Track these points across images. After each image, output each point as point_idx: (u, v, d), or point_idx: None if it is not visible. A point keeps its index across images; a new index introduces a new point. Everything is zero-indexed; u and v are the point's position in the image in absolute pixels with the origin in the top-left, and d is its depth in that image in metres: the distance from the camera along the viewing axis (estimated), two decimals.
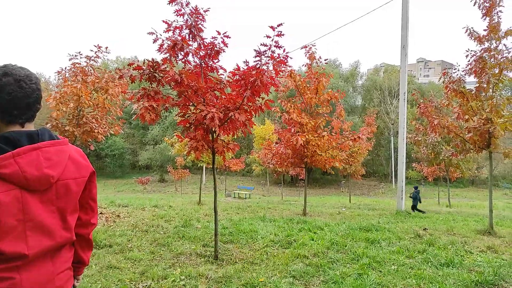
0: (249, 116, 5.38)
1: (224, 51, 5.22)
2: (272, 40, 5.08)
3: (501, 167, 45.96)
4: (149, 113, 4.82)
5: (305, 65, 11.45)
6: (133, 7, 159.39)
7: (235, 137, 6.19)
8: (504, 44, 8.11)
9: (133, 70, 4.93)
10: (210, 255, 5.65)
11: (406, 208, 13.26)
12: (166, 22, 5.15)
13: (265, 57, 5.17)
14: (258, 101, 5.44)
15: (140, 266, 5.00)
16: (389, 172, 52.16)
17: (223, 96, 5.35)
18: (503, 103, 8.08)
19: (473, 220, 10.80)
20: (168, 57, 5.09)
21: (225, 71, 5.44)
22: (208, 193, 33.98)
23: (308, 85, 11.03)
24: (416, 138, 18.58)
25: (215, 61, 5.32)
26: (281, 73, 5.68)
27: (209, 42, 5.19)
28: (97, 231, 6.95)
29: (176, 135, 8.24)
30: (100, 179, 51.83)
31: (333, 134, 11.44)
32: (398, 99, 13.62)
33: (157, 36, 5.02)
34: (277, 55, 5.18)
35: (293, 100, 11.07)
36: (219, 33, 5.12)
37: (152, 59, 4.98)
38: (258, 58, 5.16)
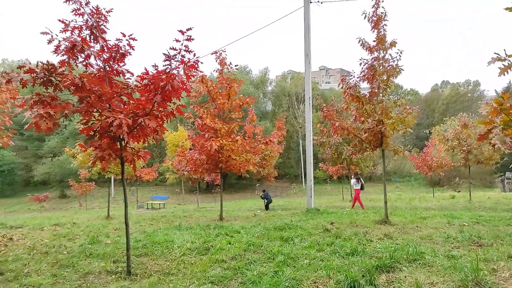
0: (161, 122, 5.21)
1: (130, 54, 4.99)
2: (182, 44, 5.02)
3: (392, 163, 52.06)
4: (45, 121, 4.34)
5: (217, 71, 11.54)
6: (19, 5, 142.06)
7: (146, 144, 5.93)
8: (390, 54, 9.21)
9: (24, 73, 4.39)
10: (122, 271, 5.29)
11: (314, 206, 14.18)
12: (63, 22, 4.72)
13: (175, 61, 5.08)
14: (170, 106, 5.30)
15: None
16: (299, 173, 55.24)
17: (132, 102, 5.09)
18: (391, 106, 9.18)
19: (372, 212, 12.02)
20: (67, 60, 4.66)
21: (133, 75, 5.19)
22: (118, 206, 31.83)
23: (220, 91, 11.12)
24: (321, 140, 20.00)
25: (121, 64, 5.05)
26: (192, 78, 5.62)
27: (114, 44, 4.90)
28: None
29: (79, 145, 7.56)
30: None
31: (246, 138, 11.70)
32: (305, 104, 14.58)
33: (52, 36, 4.56)
34: (188, 60, 5.13)
35: (206, 106, 11.05)
36: (124, 35, 4.87)
37: (48, 62, 4.51)
38: (167, 62, 5.04)
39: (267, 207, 16.17)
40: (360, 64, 9.44)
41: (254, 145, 11.61)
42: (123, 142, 5.18)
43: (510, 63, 4.20)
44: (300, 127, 54.00)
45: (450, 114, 44.39)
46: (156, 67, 5.08)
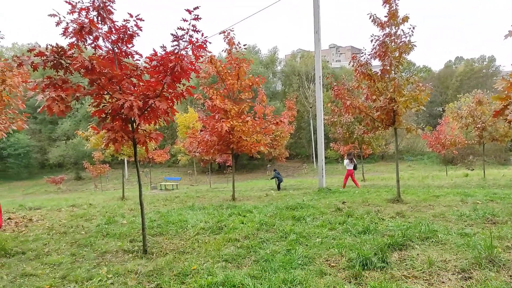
0: (171, 104, 5.20)
1: (138, 35, 4.94)
2: (190, 24, 4.94)
3: (405, 142, 51.50)
4: (57, 104, 4.37)
5: (225, 51, 11.42)
6: None
7: (158, 126, 5.97)
8: (402, 30, 8.95)
9: (34, 56, 4.41)
10: (139, 250, 5.43)
11: (326, 185, 14.21)
12: (69, 3, 4.67)
13: (183, 41, 5.02)
14: (179, 87, 5.28)
15: (61, 270, 4.61)
16: (310, 153, 55.13)
17: (141, 84, 5.08)
18: (404, 84, 8.98)
19: (384, 191, 11.98)
20: (75, 42, 4.65)
21: (141, 56, 5.16)
22: (132, 188, 32.46)
23: (229, 71, 11.04)
24: (332, 119, 19.84)
25: (129, 45, 5.01)
26: (201, 59, 5.56)
27: (121, 25, 4.86)
28: (6, 238, 6.23)
29: (91, 127, 7.65)
30: (3, 183, 46.35)
31: (256, 119, 11.67)
32: (315, 84, 14.42)
33: (60, 18, 4.54)
34: (196, 40, 5.06)
35: (215, 87, 11.01)
36: (131, 16, 4.82)
37: (57, 44, 4.50)
38: (176, 43, 4.99)
39: (279, 187, 16.29)
40: (371, 41, 9.21)
41: (265, 126, 11.58)
42: (134, 124, 5.21)
43: None
44: (311, 107, 53.52)
45: (464, 91, 43.31)
46: (165, 48, 5.04)
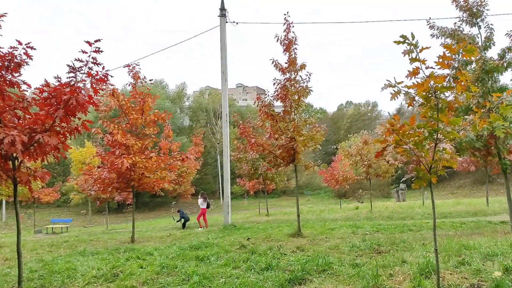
0: (63, 139, 4.76)
1: (27, 64, 4.50)
2: (89, 56, 4.71)
3: (304, 177, 55.03)
4: None
5: (129, 85, 11.04)
6: None
7: (46, 163, 5.36)
8: (300, 76, 9.85)
9: None
10: None
11: (232, 222, 14.23)
12: None
13: (81, 73, 4.73)
14: (74, 121, 4.89)
15: None
16: (217, 189, 54.93)
17: (28, 116, 4.57)
18: (302, 124, 9.79)
19: (286, 225, 12.47)
20: None
21: (30, 86, 4.69)
22: (10, 233, 27.89)
23: (133, 105, 10.63)
24: (238, 156, 20.31)
25: (16, 74, 4.52)
26: (101, 92, 5.27)
27: (7, 52, 4.38)
28: None
29: None
30: None
31: (161, 155, 11.32)
32: (222, 120, 14.77)
33: None
34: (96, 73, 4.82)
35: (117, 121, 10.44)
36: (20, 43, 4.39)
37: None
38: (72, 75, 4.67)
39: (183, 226, 15.75)
40: (274, 84, 9.91)
41: (170, 162, 11.27)
42: (16, 161, 4.60)
43: (399, 89, 4.82)
44: (218, 143, 54.08)
45: (353, 132, 48.72)
46: (59, 79, 4.67)
